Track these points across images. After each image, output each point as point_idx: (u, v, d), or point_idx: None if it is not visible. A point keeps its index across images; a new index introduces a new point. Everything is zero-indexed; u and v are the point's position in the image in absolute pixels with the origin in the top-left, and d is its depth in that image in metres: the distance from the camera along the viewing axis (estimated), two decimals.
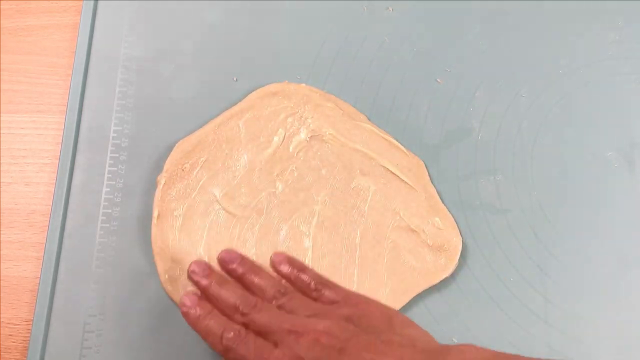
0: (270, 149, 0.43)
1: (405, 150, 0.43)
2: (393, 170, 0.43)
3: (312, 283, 0.37)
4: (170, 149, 0.43)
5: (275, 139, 0.43)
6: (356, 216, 0.42)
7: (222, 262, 0.38)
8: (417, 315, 0.41)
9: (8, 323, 0.42)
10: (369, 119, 0.45)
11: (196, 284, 0.37)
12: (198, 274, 0.37)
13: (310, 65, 0.47)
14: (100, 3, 0.48)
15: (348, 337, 0.31)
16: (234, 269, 0.38)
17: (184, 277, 0.40)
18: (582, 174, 0.44)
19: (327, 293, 0.36)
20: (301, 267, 0.38)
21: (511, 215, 0.43)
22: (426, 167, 0.44)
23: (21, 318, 0.42)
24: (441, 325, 0.40)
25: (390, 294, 0.40)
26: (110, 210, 0.43)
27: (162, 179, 0.42)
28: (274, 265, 0.38)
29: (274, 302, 0.35)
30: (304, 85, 0.45)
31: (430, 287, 0.40)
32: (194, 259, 0.40)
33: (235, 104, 0.45)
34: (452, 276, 0.41)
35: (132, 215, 0.43)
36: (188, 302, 0.36)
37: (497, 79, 0.46)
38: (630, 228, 0.43)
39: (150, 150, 0.44)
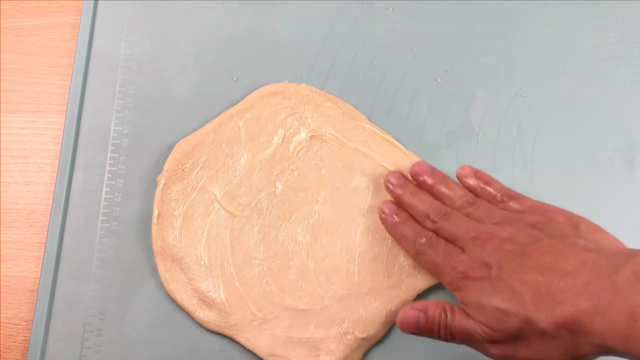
0: (270, 149, 0.43)
1: (405, 150, 0.43)
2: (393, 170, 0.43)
3: (499, 195, 0.38)
4: (170, 149, 0.43)
5: (275, 139, 0.43)
6: (356, 216, 0.42)
7: (413, 174, 0.40)
8: None
9: (8, 323, 0.42)
10: (369, 119, 0.45)
11: (392, 192, 0.40)
12: (393, 183, 0.40)
13: (310, 65, 0.47)
14: (100, 3, 0.48)
15: (531, 242, 0.33)
16: (425, 180, 0.40)
17: (184, 277, 0.41)
18: (582, 174, 0.44)
19: (513, 204, 0.37)
20: (487, 180, 0.39)
21: None
22: None
23: (21, 318, 0.42)
24: None
25: (391, 293, 0.40)
26: (110, 210, 0.43)
27: (162, 178, 0.42)
28: (460, 178, 0.40)
29: (461, 210, 0.37)
30: (304, 85, 0.45)
31: (430, 287, 0.40)
32: (194, 260, 0.41)
33: (235, 104, 0.45)
34: None
35: (132, 215, 0.43)
36: (386, 210, 0.39)
37: (497, 79, 0.46)
38: (630, 228, 0.43)
39: (150, 150, 0.44)
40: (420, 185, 0.40)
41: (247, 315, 0.40)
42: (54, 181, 0.43)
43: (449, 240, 0.36)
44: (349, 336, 0.39)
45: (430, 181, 0.39)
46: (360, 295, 0.40)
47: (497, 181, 0.39)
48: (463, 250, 0.35)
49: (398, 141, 0.44)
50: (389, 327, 0.40)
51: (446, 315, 0.34)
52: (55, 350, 0.40)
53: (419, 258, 0.37)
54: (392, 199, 0.41)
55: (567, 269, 0.30)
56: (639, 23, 0.48)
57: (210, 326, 0.40)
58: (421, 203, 0.38)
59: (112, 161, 0.44)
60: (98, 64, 0.46)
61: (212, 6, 0.48)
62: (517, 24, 0.48)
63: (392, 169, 0.43)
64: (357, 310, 0.40)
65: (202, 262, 0.41)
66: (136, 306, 0.41)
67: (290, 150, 0.43)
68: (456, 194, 0.38)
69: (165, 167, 0.43)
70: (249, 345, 0.40)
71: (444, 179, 0.40)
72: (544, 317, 0.30)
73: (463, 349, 0.40)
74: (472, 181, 0.39)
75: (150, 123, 0.45)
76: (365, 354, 0.40)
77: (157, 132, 0.45)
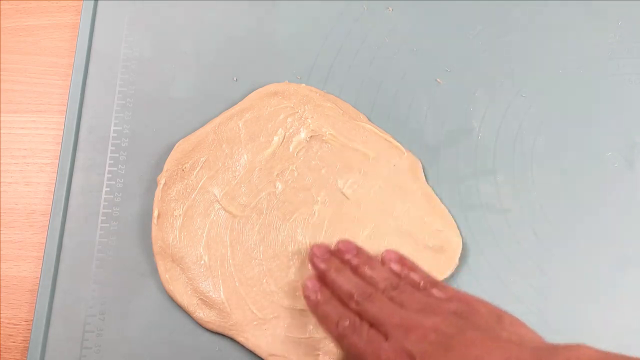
0: (270, 149, 0.43)
1: (404, 151, 0.43)
2: (392, 171, 0.43)
3: (422, 282, 0.37)
4: (170, 149, 0.43)
5: (275, 139, 0.43)
6: (355, 216, 0.42)
7: (338, 252, 0.39)
8: None
9: (8, 323, 0.42)
10: (369, 119, 0.45)
11: (315, 267, 0.39)
12: (318, 256, 0.39)
13: (310, 65, 0.47)
14: (100, 3, 0.48)
15: (455, 333, 0.32)
16: (349, 260, 0.39)
17: (184, 277, 0.41)
18: (582, 174, 0.44)
19: (435, 291, 0.37)
20: (412, 267, 0.38)
21: (511, 215, 0.43)
22: (425, 168, 0.44)
23: (21, 318, 0.42)
24: None
25: None
26: (110, 210, 0.43)
27: (162, 178, 0.42)
28: (385, 261, 0.39)
29: (385, 293, 0.36)
30: (303, 85, 0.45)
31: None
32: (194, 259, 0.41)
33: (235, 104, 0.45)
34: (452, 276, 0.41)
35: (132, 215, 0.43)
36: (310, 286, 0.38)
37: (497, 79, 0.46)
38: (630, 228, 0.43)
39: (150, 150, 0.44)
40: (344, 264, 0.39)
41: (247, 315, 0.40)
42: (54, 181, 0.43)
43: (373, 324, 0.35)
44: None
45: (355, 261, 0.38)
46: None
47: (421, 268, 0.39)
48: (386, 337, 0.34)
49: (398, 141, 0.44)
50: None
51: None
52: (55, 350, 0.40)
53: (341, 341, 0.36)
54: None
55: None
56: (639, 23, 0.48)
57: (210, 326, 0.40)
58: (346, 282, 0.37)
59: (112, 161, 0.44)
60: (98, 64, 0.46)
61: (212, 6, 0.48)
62: (517, 24, 0.48)
63: (391, 169, 0.43)
64: None
65: (202, 262, 0.41)
66: (136, 306, 0.41)
67: (290, 150, 0.43)
68: (380, 276, 0.37)
69: (165, 167, 0.43)
70: (249, 345, 0.40)
71: (369, 259, 0.39)
72: None
73: None
74: (396, 266, 0.38)
75: (150, 123, 0.45)
76: None
77: (157, 132, 0.45)
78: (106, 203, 0.43)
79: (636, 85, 0.46)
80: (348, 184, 0.42)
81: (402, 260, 0.39)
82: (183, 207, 0.42)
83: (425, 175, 0.43)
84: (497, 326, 0.33)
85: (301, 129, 0.44)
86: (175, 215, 0.42)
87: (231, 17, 0.48)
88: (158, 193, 0.42)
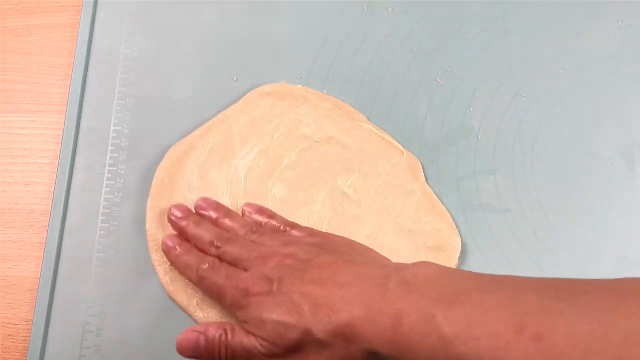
0: (269, 150, 0.43)
1: (404, 150, 0.43)
2: (392, 171, 0.43)
3: (282, 226, 0.39)
4: (170, 148, 0.43)
5: (274, 139, 0.43)
6: (355, 217, 0.42)
7: (198, 208, 0.41)
8: None
9: (8, 323, 0.42)
10: (369, 119, 0.45)
11: (175, 225, 0.40)
12: (177, 216, 0.40)
13: (310, 65, 0.47)
14: (100, 3, 0.48)
15: (312, 258, 0.34)
16: (209, 215, 0.40)
17: (184, 278, 0.40)
18: (582, 174, 0.44)
19: (295, 231, 0.39)
20: (271, 215, 0.40)
21: (511, 215, 0.43)
22: (425, 168, 0.44)
23: (21, 318, 0.42)
24: None
25: None
26: (110, 210, 0.43)
27: (153, 188, 0.42)
28: (245, 214, 0.41)
29: (246, 238, 0.38)
30: (300, 86, 0.45)
31: None
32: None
33: (235, 104, 0.45)
34: None
35: (132, 215, 0.43)
36: (169, 243, 0.39)
37: (497, 79, 0.46)
38: (630, 228, 0.43)
39: (150, 150, 0.44)
40: (205, 220, 0.40)
41: None
42: (54, 181, 0.43)
43: (233, 264, 0.36)
44: None
45: (214, 215, 0.40)
46: None
47: (280, 216, 0.41)
48: (246, 270, 0.35)
49: (398, 141, 0.44)
50: None
51: (226, 335, 0.34)
52: (55, 350, 0.40)
53: (202, 284, 0.37)
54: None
55: (343, 281, 0.32)
56: (639, 23, 0.48)
57: None
58: (205, 232, 0.38)
59: (112, 161, 0.44)
60: (98, 64, 0.46)
61: (212, 6, 0.48)
62: (517, 24, 0.48)
63: (391, 169, 0.43)
64: None
65: None
66: (136, 306, 0.41)
67: (289, 151, 0.43)
68: (241, 224, 0.39)
69: (157, 174, 0.42)
70: None
71: (229, 212, 0.40)
72: (321, 327, 0.31)
73: None
74: (256, 216, 0.40)
75: (150, 123, 0.45)
76: None
77: (157, 132, 0.45)
78: (106, 203, 0.43)
79: (636, 85, 0.46)
80: (348, 184, 0.42)
81: (261, 210, 0.41)
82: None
83: (425, 175, 0.43)
84: (351, 252, 0.36)
85: (300, 130, 0.44)
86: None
87: (231, 17, 0.48)
88: (150, 202, 0.42)
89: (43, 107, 0.47)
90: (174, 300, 0.41)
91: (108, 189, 0.43)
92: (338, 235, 0.38)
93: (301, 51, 0.47)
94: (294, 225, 0.39)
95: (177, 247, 0.39)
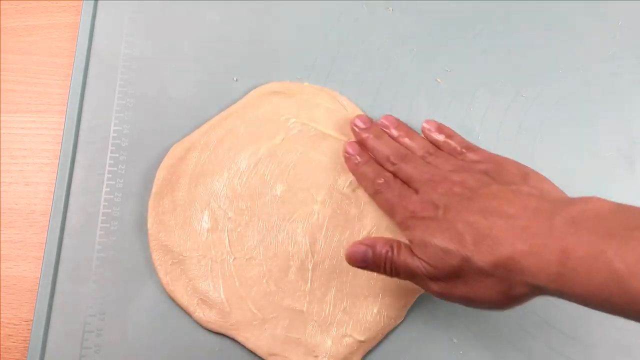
0: (270, 149, 0.43)
1: None
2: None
3: (459, 147, 0.40)
4: (170, 148, 0.43)
5: (275, 138, 0.43)
6: (355, 216, 0.42)
7: (381, 125, 0.42)
8: (417, 317, 0.41)
9: (8, 323, 0.42)
10: None
11: (357, 134, 0.42)
12: (359, 126, 0.42)
13: (310, 65, 0.47)
14: (100, 3, 0.48)
15: (480, 187, 0.35)
16: (390, 132, 0.42)
17: (184, 278, 0.41)
18: (582, 174, 0.44)
19: (471, 154, 0.39)
20: (450, 134, 0.41)
21: None
22: None
23: (21, 318, 0.42)
24: (441, 325, 0.40)
25: (390, 295, 0.40)
26: (110, 210, 0.43)
27: (155, 186, 0.42)
28: (425, 131, 0.42)
29: (422, 159, 0.40)
30: (306, 84, 0.45)
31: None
32: (194, 260, 0.41)
33: (234, 103, 0.45)
34: None
35: (132, 215, 0.43)
36: (350, 150, 0.42)
37: (497, 79, 0.46)
38: None
39: (150, 150, 0.44)
40: (385, 135, 0.42)
41: (247, 315, 0.40)
42: (54, 181, 0.43)
43: (405, 182, 0.38)
44: (348, 338, 0.39)
45: (395, 133, 0.42)
46: (359, 297, 0.40)
47: (459, 135, 0.41)
48: (417, 191, 0.37)
49: None
50: (388, 331, 0.40)
51: (392, 252, 0.36)
52: (55, 350, 0.40)
53: (376, 197, 0.40)
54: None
55: (509, 212, 0.32)
56: (639, 23, 0.48)
57: (211, 326, 0.40)
58: (384, 146, 0.41)
59: (112, 161, 0.44)
60: (98, 64, 0.46)
61: (212, 6, 0.48)
62: (517, 24, 0.48)
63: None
64: (356, 313, 0.40)
65: (202, 263, 0.41)
66: (136, 306, 0.41)
67: (290, 150, 0.43)
68: (418, 145, 0.41)
69: (158, 174, 0.42)
70: (249, 345, 0.40)
71: (409, 131, 0.42)
72: (482, 257, 0.31)
73: (462, 349, 0.40)
74: (436, 135, 0.41)
75: (150, 123, 0.45)
76: (364, 357, 0.40)
77: (157, 132, 0.45)
78: (106, 203, 0.43)
79: (636, 85, 0.46)
80: (348, 184, 0.42)
81: (441, 128, 0.42)
82: (183, 208, 0.42)
83: None
84: (521, 181, 0.35)
85: (301, 129, 0.44)
86: (173, 219, 0.42)
87: (231, 17, 0.48)
88: (152, 202, 0.42)
89: (43, 107, 0.47)
90: (174, 300, 0.41)
91: (108, 189, 0.43)
92: (511, 161, 0.38)
93: (301, 51, 0.47)
94: (470, 147, 0.40)
95: (357, 157, 0.41)
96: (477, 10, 0.48)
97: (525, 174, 0.36)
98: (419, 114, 0.45)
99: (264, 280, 0.40)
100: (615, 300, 0.27)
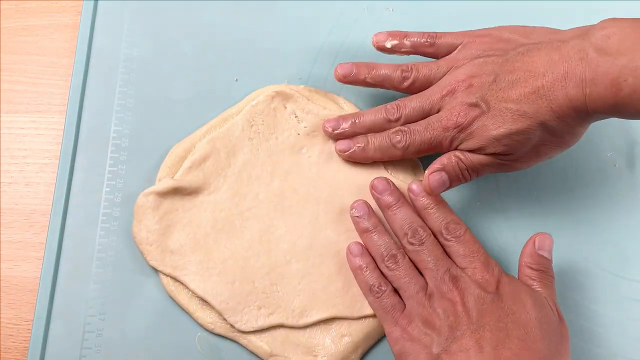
0: (269, 149, 0.43)
1: None
2: (392, 170, 0.43)
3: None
4: (170, 148, 0.43)
5: (274, 139, 0.43)
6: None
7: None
8: None
9: (8, 323, 0.42)
10: None
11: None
12: (328, 130, 0.42)
13: (310, 65, 0.47)
14: (100, 3, 0.48)
15: (496, 68, 0.37)
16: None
17: (184, 278, 0.41)
18: (582, 174, 0.44)
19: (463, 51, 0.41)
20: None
21: (511, 215, 0.43)
22: (425, 168, 0.44)
23: (21, 318, 0.42)
24: None
25: None
26: (110, 210, 0.43)
27: (155, 187, 0.42)
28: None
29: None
30: (302, 87, 0.45)
31: None
32: (194, 261, 0.41)
33: (235, 104, 0.45)
34: None
35: (132, 216, 0.43)
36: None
37: None
38: (630, 228, 0.43)
39: (150, 150, 0.44)
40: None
41: (247, 315, 0.40)
42: (54, 181, 0.43)
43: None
44: (347, 338, 0.39)
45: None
46: (359, 297, 0.40)
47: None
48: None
49: None
50: None
51: (460, 159, 0.38)
52: (55, 350, 0.40)
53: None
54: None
55: (538, 71, 0.35)
56: None
57: (211, 327, 0.40)
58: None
59: (112, 161, 0.44)
60: (98, 64, 0.46)
61: (212, 6, 0.48)
62: (517, 24, 0.48)
63: (390, 168, 0.43)
64: (356, 312, 0.40)
65: (202, 263, 0.41)
66: (136, 306, 0.41)
67: (290, 150, 0.43)
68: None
69: (159, 175, 0.43)
70: (250, 346, 0.40)
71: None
72: (548, 116, 0.35)
73: None
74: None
75: (150, 123, 0.45)
76: (363, 356, 0.40)
77: (157, 132, 0.45)
78: (106, 203, 0.43)
79: None
80: (348, 184, 0.42)
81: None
82: (183, 208, 0.42)
83: None
84: (525, 38, 0.39)
85: (301, 129, 0.44)
86: (173, 218, 0.42)
87: (231, 17, 0.48)
88: (152, 202, 0.42)
89: (43, 107, 0.47)
90: (174, 300, 0.41)
91: (108, 189, 0.43)
92: (499, 30, 0.40)
93: (301, 51, 0.47)
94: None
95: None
96: (477, 10, 0.48)
97: (524, 32, 0.39)
98: None
99: (264, 281, 0.40)
100: None
